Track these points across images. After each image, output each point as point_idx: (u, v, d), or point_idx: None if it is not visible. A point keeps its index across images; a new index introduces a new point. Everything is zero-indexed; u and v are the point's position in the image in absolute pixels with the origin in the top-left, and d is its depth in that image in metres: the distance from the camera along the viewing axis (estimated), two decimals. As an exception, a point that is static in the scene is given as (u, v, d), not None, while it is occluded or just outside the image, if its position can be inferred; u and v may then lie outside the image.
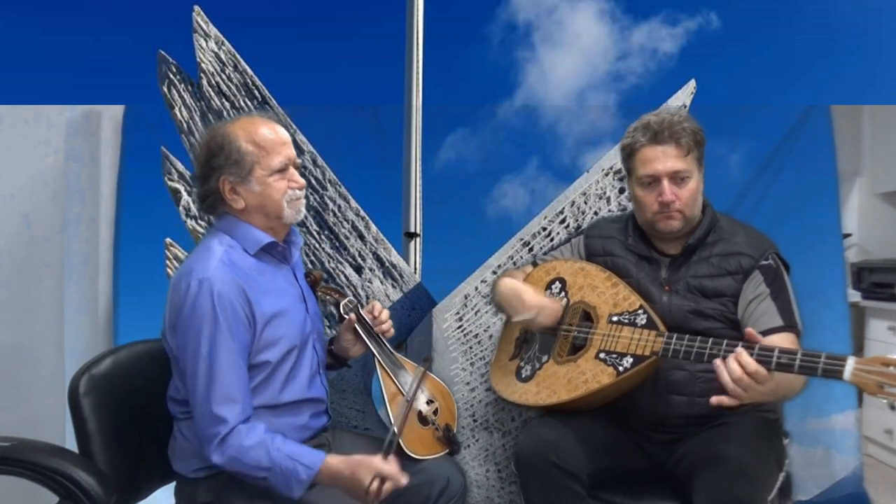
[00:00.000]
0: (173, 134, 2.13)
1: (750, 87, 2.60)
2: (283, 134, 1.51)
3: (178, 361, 1.43)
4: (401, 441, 1.57)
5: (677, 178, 1.59)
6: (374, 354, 1.67)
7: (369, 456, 1.37)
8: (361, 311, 1.68)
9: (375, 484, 1.33)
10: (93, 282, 2.50)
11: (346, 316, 1.66)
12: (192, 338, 1.37)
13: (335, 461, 1.37)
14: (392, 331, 1.69)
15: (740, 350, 1.33)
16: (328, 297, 1.75)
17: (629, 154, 1.66)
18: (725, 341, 1.41)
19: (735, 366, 1.32)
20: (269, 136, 1.48)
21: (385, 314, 1.68)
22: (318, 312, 1.66)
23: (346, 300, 1.70)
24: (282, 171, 1.48)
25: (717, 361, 1.34)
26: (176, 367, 1.47)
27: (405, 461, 1.47)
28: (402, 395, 1.67)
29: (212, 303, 1.36)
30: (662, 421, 1.63)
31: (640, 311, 1.58)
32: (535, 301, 1.69)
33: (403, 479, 1.35)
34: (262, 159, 1.46)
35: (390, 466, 1.35)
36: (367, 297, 2.18)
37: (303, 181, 1.52)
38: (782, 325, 1.54)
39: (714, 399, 1.33)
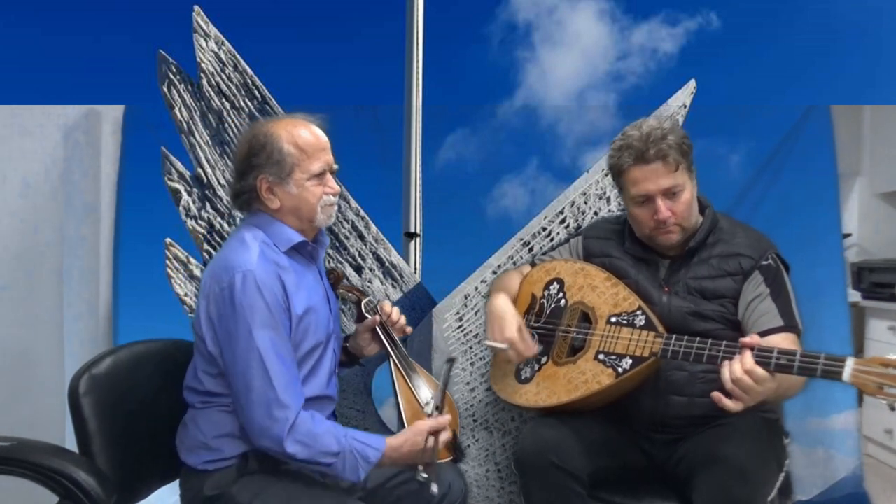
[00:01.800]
0: (173, 134, 2.13)
1: (750, 87, 2.60)
2: (324, 139, 1.52)
3: (214, 355, 1.43)
4: None
5: (670, 193, 1.58)
6: (389, 354, 1.68)
7: (414, 424, 1.49)
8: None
9: (431, 440, 1.43)
10: (93, 282, 2.50)
11: (367, 315, 1.69)
12: (242, 331, 1.37)
13: (393, 440, 1.45)
14: (409, 328, 1.74)
15: (746, 353, 1.33)
16: (350, 295, 1.76)
17: (617, 173, 1.64)
18: (724, 343, 1.41)
19: (736, 366, 1.32)
20: (311, 141, 1.49)
21: (396, 312, 1.70)
22: (338, 313, 1.67)
23: (366, 299, 1.74)
24: (320, 175, 1.49)
25: (726, 363, 1.35)
26: (205, 359, 1.46)
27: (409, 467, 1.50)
28: (415, 396, 1.68)
29: (260, 294, 1.38)
30: (662, 421, 1.63)
31: (638, 312, 1.58)
32: (513, 336, 1.67)
33: (447, 419, 1.49)
34: (303, 163, 1.47)
35: (432, 420, 1.47)
36: (367, 297, 2.18)
37: (338, 188, 1.53)
38: (782, 326, 1.54)
39: (715, 393, 1.34)
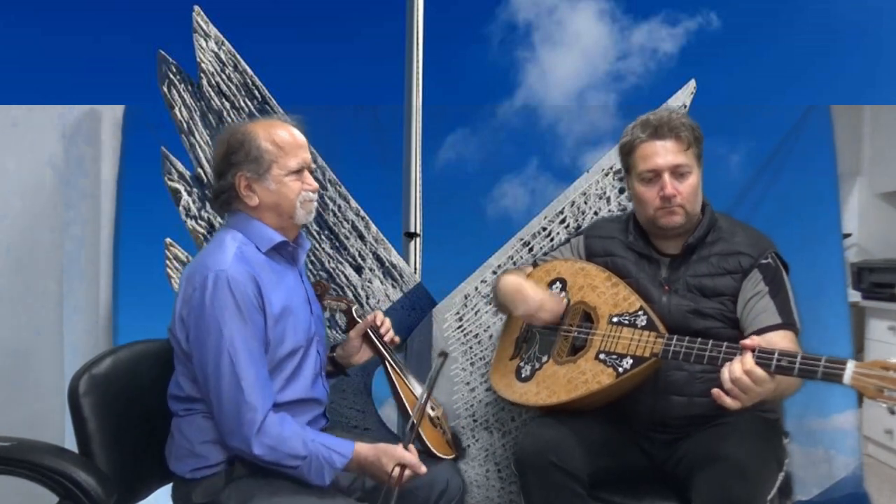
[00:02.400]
0: (173, 134, 2.13)
1: (750, 87, 2.60)
2: (301, 137, 1.54)
3: (189, 356, 1.43)
4: (423, 434, 1.59)
5: (678, 172, 1.60)
6: (384, 356, 1.68)
7: (392, 445, 1.44)
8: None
9: (397, 470, 1.40)
10: (93, 282, 2.49)
11: (359, 320, 1.70)
12: (212, 330, 1.38)
13: (363, 448, 1.44)
14: (397, 339, 1.73)
15: (747, 354, 1.33)
16: (339, 304, 1.77)
17: (628, 151, 1.66)
18: (725, 343, 1.41)
19: (736, 366, 1.32)
20: (288, 138, 1.51)
21: (388, 324, 1.71)
22: (321, 316, 1.68)
23: (355, 306, 1.75)
24: (297, 172, 1.51)
25: (726, 363, 1.35)
26: (182, 363, 1.47)
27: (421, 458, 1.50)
28: (416, 397, 1.67)
29: (230, 294, 1.38)
30: (662, 421, 1.63)
31: (640, 312, 1.58)
32: (537, 296, 1.69)
33: (422, 468, 1.42)
34: (280, 159, 1.49)
35: (411, 455, 1.43)
36: (367, 298, 2.18)
37: (316, 184, 1.55)
38: (780, 323, 1.55)
39: (714, 390, 1.34)
